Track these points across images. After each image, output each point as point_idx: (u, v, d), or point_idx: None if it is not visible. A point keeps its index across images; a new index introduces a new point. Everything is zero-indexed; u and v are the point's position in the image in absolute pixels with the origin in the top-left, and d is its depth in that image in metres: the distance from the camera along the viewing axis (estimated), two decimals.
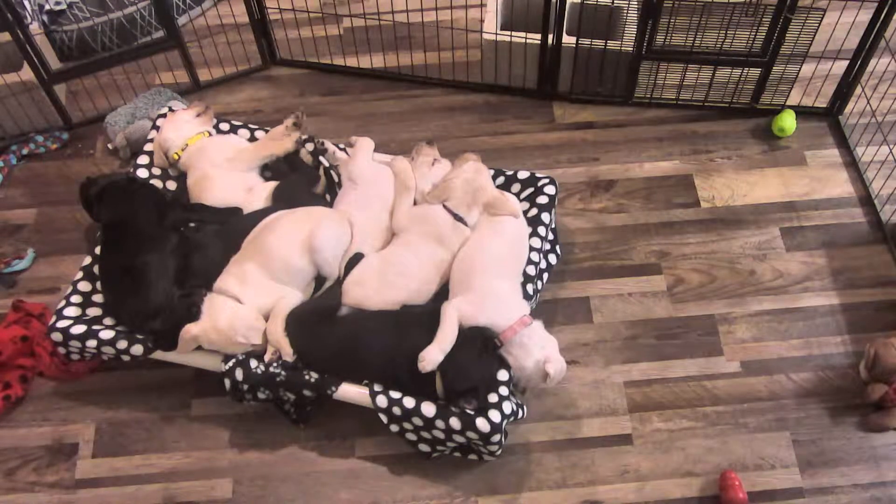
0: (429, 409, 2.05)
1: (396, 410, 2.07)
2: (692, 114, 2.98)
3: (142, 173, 2.54)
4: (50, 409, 2.35)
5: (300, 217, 2.30)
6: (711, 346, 2.42)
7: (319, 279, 2.29)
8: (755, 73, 2.85)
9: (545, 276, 2.48)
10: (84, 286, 2.32)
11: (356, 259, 2.29)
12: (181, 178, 2.56)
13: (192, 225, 2.41)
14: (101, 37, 3.11)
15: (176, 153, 2.53)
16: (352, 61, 3.16)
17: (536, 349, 2.08)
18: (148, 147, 2.60)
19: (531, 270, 2.31)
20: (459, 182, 2.33)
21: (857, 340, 2.41)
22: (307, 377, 2.13)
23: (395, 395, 2.09)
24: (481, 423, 2.00)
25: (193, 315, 2.15)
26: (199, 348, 2.18)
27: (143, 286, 2.21)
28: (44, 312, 2.47)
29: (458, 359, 2.05)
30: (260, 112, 3.05)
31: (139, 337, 2.21)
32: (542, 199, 2.44)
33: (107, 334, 2.20)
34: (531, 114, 3.01)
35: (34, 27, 2.93)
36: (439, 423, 2.03)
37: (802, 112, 2.92)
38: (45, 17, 3.06)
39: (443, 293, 2.24)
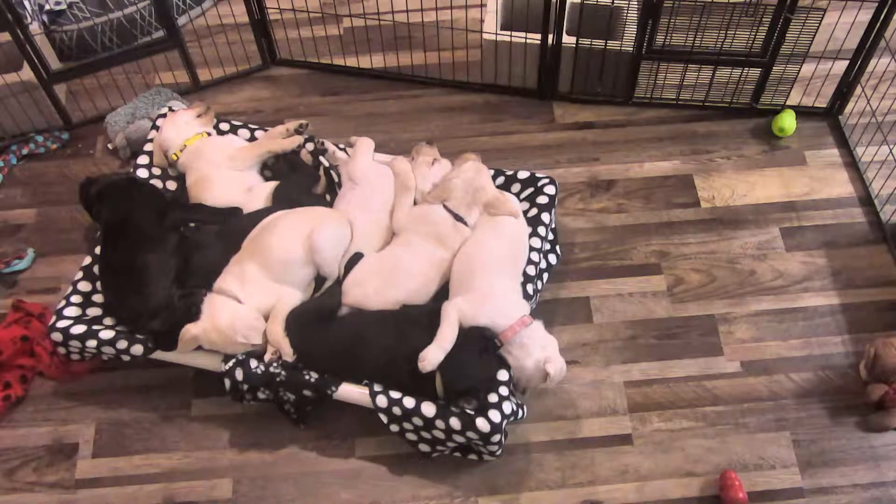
0: (429, 409, 2.05)
1: (396, 410, 2.07)
2: (692, 114, 2.98)
3: (142, 173, 2.54)
4: (50, 409, 2.35)
5: (300, 217, 2.30)
6: (711, 346, 2.42)
7: (319, 279, 2.29)
8: (755, 73, 2.85)
9: (545, 276, 2.48)
10: (84, 286, 2.32)
11: (356, 259, 2.29)
12: (181, 178, 2.56)
13: (192, 225, 2.41)
14: (101, 37, 3.11)
15: (175, 153, 2.53)
16: (352, 61, 3.16)
17: (536, 349, 2.08)
18: (148, 147, 2.60)
19: (531, 270, 2.31)
20: (459, 182, 2.33)
21: (857, 340, 2.41)
22: (307, 377, 2.13)
23: (395, 395, 2.09)
24: (481, 423, 2.00)
25: (193, 315, 2.15)
26: (199, 348, 2.18)
27: (143, 286, 2.21)
28: (44, 312, 2.47)
29: (458, 359, 2.05)
30: (260, 112, 3.05)
31: (139, 337, 2.21)
32: (542, 199, 2.44)
33: (107, 334, 2.20)
34: (531, 114, 3.01)
35: (34, 27, 2.93)
36: (439, 423, 2.03)
37: (802, 112, 2.92)
38: (45, 17, 3.06)
39: (443, 293, 2.24)
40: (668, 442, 2.25)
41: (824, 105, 2.95)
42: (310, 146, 2.58)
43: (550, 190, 2.45)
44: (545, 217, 2.41)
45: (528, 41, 2.82)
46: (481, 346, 2.07)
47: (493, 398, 2.04)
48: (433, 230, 2.29)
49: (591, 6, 2.84)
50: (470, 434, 2.02)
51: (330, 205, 2.48)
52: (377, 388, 2.11)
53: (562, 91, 3.01)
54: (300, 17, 3.15)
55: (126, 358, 2.21)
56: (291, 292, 2.22)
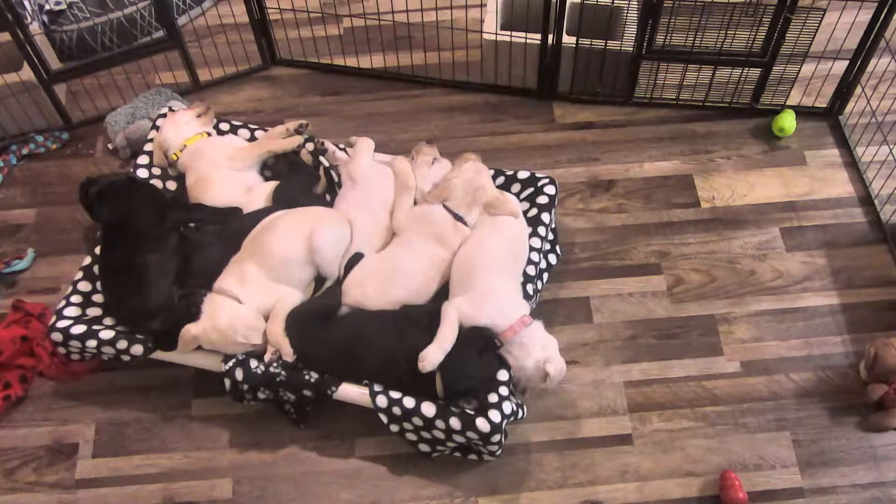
0: (429, 409, 2.05)
1: (396, 410, 2.07)
2: (692, 114, 2.98)
3: (142, 173, 2.54)
4: (50, 409, 2.35)
5: (300, 217, 2.30)
6: (711, 346, 2.42)
7: (319, 279, 2.29)
8: (755, 73, 2.85)
9: (545, 276, 2.48)
10: (84, 286, 2.32)
11: (356, 259, 2.29)
12: (181, 178, 2.56)
13: (192, 225, 2.41)
14: (101, 37, 3.11)
15: (175, 153, 2.54)
16: (352, 61, 3.16)
17: (536, 349, 2.08)
18: (148, 147, 2.60)
19: (531, 270, 2.31)
20: (459, 182, 2.33)
21: (857, 340, 2.41)
22: (307, 377, 2.13)
23: (395, 395, 2.09)
24: (481, 423, 2.00)
25: (193, 315, 2.15)
26: (199, 348, 2.18)
27: (143, 286, 2.20)
28: (44, 312, 2.47)
29: (458, 359, 2.05)
30: (260, 112, 3.05)
31: (139, 337, 2.21)
32: (542, 199, 2.44)
33: (107, 334, 2.20)
34: (531, 114, 3.01)
35: (34, 27, 2.92)
36: (439, 423, 2.03)
37: (802, 112, 2.92)
38: (45, 17, 3.06)
39: (443, 293, 2.24)
40: (668, 442, 2.25)
41: (824, 105, 2.95)
42: (310, 146, 2.58)
43: (550, 190, 2.45)
44: (545, 217, 2.41)
45: (528, 41, 2.82)
46: (481, 346, 2.07)
47: (493, 398, 2.04)
48: (433, 230, 2.29)
49: (591, 6, 2.84)
50: (470, 434, 2.02)
51: (330, 205, 2.48)
52: (377, 388, 2.11)
53: (562, 91, 3.01)
54: (300, 17, 3.15)
55: (126, 358, 2.21)
56: (291, 292, 2.22)
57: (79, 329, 2.20)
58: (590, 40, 2.78)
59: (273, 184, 2.50)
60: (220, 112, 2.91)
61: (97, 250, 2.33)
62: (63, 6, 3.08)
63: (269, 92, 3.13)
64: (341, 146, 2.58)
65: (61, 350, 2.26)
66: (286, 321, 2.17)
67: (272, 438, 2.28)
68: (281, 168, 2.58)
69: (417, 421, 2.06)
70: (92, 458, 2.26)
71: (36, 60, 2.75)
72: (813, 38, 2.70)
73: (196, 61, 3.06)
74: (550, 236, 2.47)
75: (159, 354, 2.22)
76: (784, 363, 2.38)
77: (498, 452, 2.12)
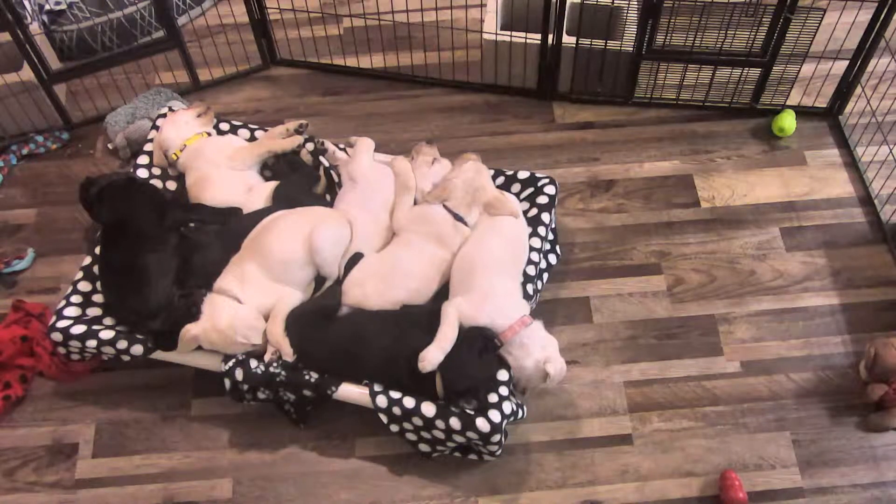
0: (429, 409, 2.05)
1: (396, 410, 2.07)
2: (692, 114, 2.98)
3: (142, 173, 2.54)
4: (50, 409, 2.35)
5: (300, 217, 2.30)
6: (711, 346, 2.42)
7: (319, 279, 2.29)
8: (755, 73, 2.85)
9: (545, 276, 2.48)
10: (84, 286, 2.32)
11: (356, 259, 2.29)
12: (181, 178, 2.56)
13: (192, 225, 2.41)
14: (101, 37, 3.11)
15: (175, 153, 2.54)
16: (352, 61, 3.16)
17: (536, 349, 2.08)
18: (148, 147, 2.60)
19: (531, 270, 2.31)
20: (460, 182, 2.33)
21: (857, 340, 2.41)
22: (307, 377, 2.13)
23: (395, 395, 2.09)
24: (481, 423, 2.00)
25: (193, 315, 2.15)
26: (199, 348, 2.18)
27: (143, 286, 2.20)
28: (44, 312, 2.47)
29: (458, 359, 2.05)
30: (260, 112, 3.05)
31: (139, 337, 2.21)
32: (542, 199, 2.44)
33: (107, 334, 2.20)
34: (531, 114, 3.01)
35: (34, 27, 2.92)
36: (439, 423, 2.03)
37: (802, 112, 2.92)
38: (45, 17, 3.06)
39: (443, 293, 2.24)
40: (668, 442, 2.25)
41: (824, 105, 2.95)
42: (310, 146, 2.58)
43: (550, 190, 2.45)
44: (545, 217, 2.41)
45: (528, 41, 2.82)
46: (481, 346, 2.07)
47: (493, 398, 2.04)
48: (433, 230, 2.29)
49: (591, 6, 2.84)
50: (470, 434, 2.02)
51: (330, 205, 2.48)
52: (377, 388, 2.11)
53: (562, 91, 3.01)
54: (300, 17, 3.15)
55: (126, 358, 2.21)
56: (291, 292, 2.22)
57: (79, 329, 2.20)
58: (590, 40, 2.78)
59: (273, 184, 2.50)
60: (220, 112, 2.91)
61: (97, 250, 2.33)
62: (63, 6, 3.08)
63: (269, 92, 3.13)
64: (341, 146, 2.59)
65: (61, 350, 2.26)
66: (286, 321, 2.17)
67: (272, 438, 2.28)
68: (281, 168, 2.58)
69: (417, 421, 2.06)
70: (92, 458, 2.26)
71: (36, 60, 2.75)
72: (813, 38, 2.70)
73: (196, 61, 3.06)
74: (550, 236, 2.47)
75: (159, 354, 2.22)
76: (784, 363, 2.38)
77: (498, 452, 2.12)
